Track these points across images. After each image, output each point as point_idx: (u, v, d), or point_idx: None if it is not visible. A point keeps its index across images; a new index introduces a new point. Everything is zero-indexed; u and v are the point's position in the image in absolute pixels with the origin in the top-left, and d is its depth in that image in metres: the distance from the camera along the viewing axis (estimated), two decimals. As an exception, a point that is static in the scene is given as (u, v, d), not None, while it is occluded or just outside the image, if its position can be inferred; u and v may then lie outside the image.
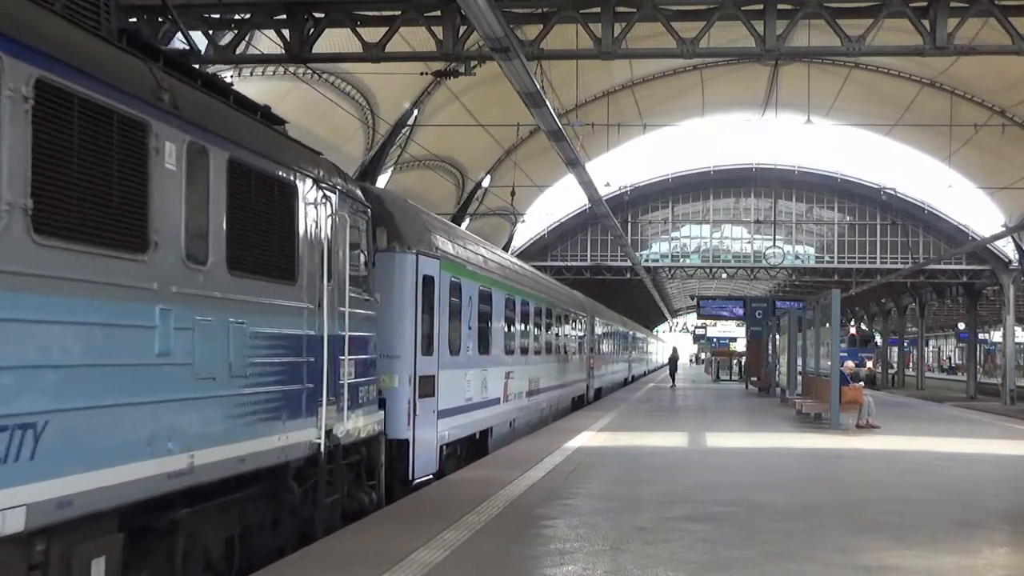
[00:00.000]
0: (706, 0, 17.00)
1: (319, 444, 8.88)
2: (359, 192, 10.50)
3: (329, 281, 9.01)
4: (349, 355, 9.48)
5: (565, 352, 26.54)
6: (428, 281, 12.56)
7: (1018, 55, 16.86)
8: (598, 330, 35.17)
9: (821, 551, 8.15)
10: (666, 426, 21.47)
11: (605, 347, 38.47)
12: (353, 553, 7.87)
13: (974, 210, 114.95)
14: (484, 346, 16.13)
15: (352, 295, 9.62)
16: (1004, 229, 43.34)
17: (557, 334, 24.98)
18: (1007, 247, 47.20)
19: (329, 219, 9.19)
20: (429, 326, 12.62)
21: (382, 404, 11.16)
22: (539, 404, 21.46)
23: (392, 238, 11.87)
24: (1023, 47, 16.30)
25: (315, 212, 8.89)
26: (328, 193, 9.25)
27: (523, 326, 20.08)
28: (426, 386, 12.36)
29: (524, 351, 19.96)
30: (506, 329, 18.25)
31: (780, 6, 16.81)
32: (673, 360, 50.04)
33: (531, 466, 13.38)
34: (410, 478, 11.87)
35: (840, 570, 7.50)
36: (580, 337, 29.94)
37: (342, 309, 9.37)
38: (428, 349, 12.53)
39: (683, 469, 13.76)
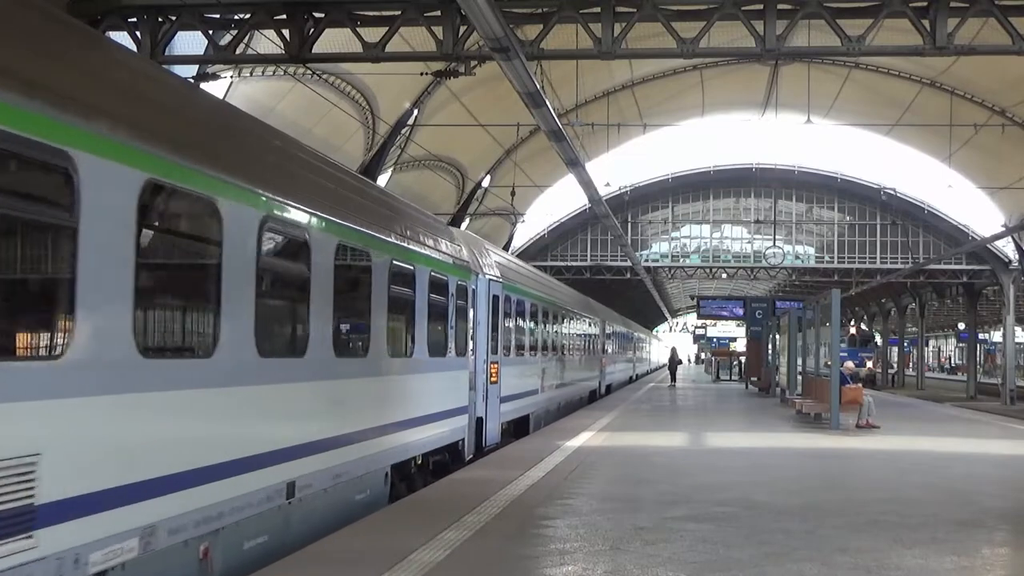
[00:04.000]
0: (706, 0, 17.00)
1: None
2: None
3: None
4: None
5: (399, 351, 11.96)
6: None
7: (1018, 55, 16.85)
8: (544, 319, 23.06)
9: (821, 551, 8.15)
10: (666, 426, 21.47)
11: (540, 344, 23.29)
12: (353, 553, 7.87)
13: (974, 210, 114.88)
14: None
15: None
16: (1004, 229, 43.33)
17: (347, 307, 10.22)
18: (1007, 247, 47.22)
19: None
20: None
21: None
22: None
23: None
24: (1023, 47, 16.30)
25: None
26: None
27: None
28: None
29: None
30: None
31: (780, 6, 16.80)
32: (673, 361, 50.43)
33: (531, 466, 13.38)
34: None
35: (840, 570, 7.50)
36: (463, 324, 15.15)
37: None
38: None
39: (683, 469, 13.76)
